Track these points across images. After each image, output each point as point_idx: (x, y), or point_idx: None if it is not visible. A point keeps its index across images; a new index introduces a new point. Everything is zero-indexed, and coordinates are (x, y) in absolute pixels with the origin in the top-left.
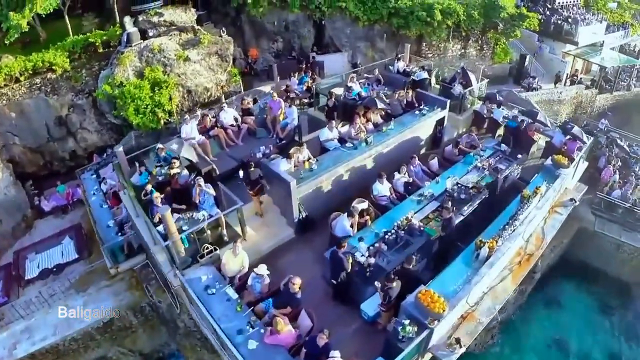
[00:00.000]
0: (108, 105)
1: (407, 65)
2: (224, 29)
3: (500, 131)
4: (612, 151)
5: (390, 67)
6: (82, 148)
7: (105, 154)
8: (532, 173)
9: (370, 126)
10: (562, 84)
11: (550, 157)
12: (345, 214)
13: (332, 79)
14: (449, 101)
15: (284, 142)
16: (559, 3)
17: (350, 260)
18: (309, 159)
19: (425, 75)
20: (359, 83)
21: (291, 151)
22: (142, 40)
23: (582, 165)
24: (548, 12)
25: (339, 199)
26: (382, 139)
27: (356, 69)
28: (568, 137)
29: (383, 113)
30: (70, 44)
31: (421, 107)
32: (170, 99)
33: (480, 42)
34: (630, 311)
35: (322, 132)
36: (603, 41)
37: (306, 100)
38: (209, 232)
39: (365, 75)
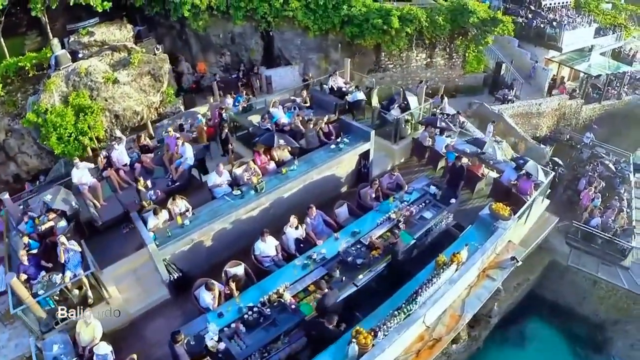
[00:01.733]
0: (36, 132)
1: (347, 83)
2: (157, 46)
3: (443, 163)
4: (595, 170)
5: (324, 85)
6: (25, 171)
7: (38, 182)
8: (474, 217)
9: (272, 166)
10: (544, 94)
11: (488, 205)
12: (204, 285)
13: (278, 95)
14: (372, 132)
15: (176, 184)
16: (545, 5)
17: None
18: (186, 210)
19: (360, 96)
20: (284, 107)
21: (169, 203)
22: (71, 63)
23: (541, 205)
24: (530, 15)
25: (224, 255)
26: (280, 183)
27: (307, 82)
28: (521, 173)
29: (290, 148)
30: (3, 68)
31: (339, 139)
32: (90, 127)
33: (448, 50)
34: (605, 356)
35: (209, 175)
36: (592, 46)
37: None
38: (76, 291)
39: (292, 96)
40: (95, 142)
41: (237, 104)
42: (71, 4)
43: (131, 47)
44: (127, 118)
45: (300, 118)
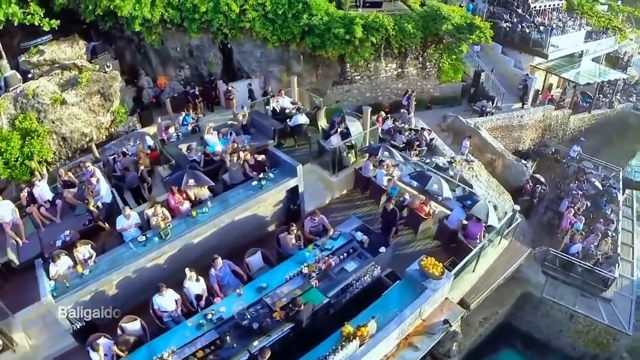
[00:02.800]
0: None
1: (295, 103)
2: (108, 63)
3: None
4: (581, 187)
5: (267, 106)
6: None
7: None
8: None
9: (186, 206)
10: (528, 103)
11: (418, 260)
12: (89, 347)
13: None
14: (299, 167)
15: (92, 224)
16: (534, 8)
17: None
18: (89, 257)
19: (302, 119)
20: (220, 133)
21: (74, 250)
22: (21, 84)
23: (497, 247)
24: (516, 19)
25: (129, 304)
26: (187, 229)
27: (266, 96)
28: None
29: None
30: None
31: (261, 175)
32: (32, 153)
33: (421, 59)
34: None
35: (119, 217)
36: (582, 51)
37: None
38: None
39: (230, 121)
40: (45, 164)
41: (185, 123)
42: (15, 24)
43: (82, 65)
44: (75, 140)
45: (235, 145)
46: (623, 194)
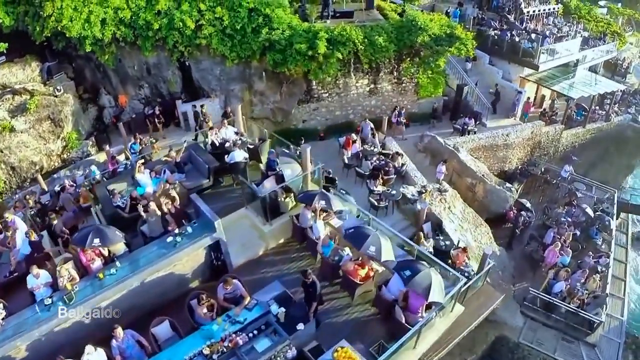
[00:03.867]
0: None
1: (239, 134)
2: (59, 87)
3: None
4: (570, 213)
5: (205, 139)
6: None
7: None
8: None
9: (97, 264)
10: (516, 118)
11: (331, 350)
12: None
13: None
14: (218, 222)
15: (15, 274)
16: (527, 13)
17: None
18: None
19: (239, 156)
20: (153, 171)
21: None
22: None
23: (450, 316)
24: (505, 26)
25: None
26: (93, 293)
27: (228, 118)
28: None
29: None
30: None
31: (177, 231)
32: None
33: (396, 73)
34: None
35: (29, 277)
36: (577, 60)
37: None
38: None
39: (165, 156)
40: None
41: (133, 152)
42: None
43: (33, 89)
44: (25, 169)
45: (167, 186)
46: (617, 218)
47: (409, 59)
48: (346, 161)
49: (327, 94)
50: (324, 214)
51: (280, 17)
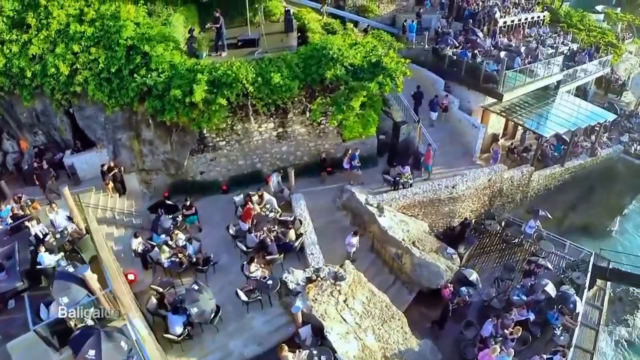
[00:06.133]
0: None
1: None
2: None
3: None
4: (526, 288)
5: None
6: None
7: None
8: None
9: None
10: (475, 159)
11: None
12: None
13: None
14: None
15: None
16: (504, 24)
17: None
18: None
19: (48, 259)
20: None
21: None
22: None
23: None
24: (469, 43)
25: None
26: None
27: (111, 172)
28: None
29: None
30: None
31: None
32: None
33: (310, 113)
34: None
35: None
36: (559, 82)
37: None
38: None
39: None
40: None
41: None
42: None
43: None
44: None
45: None
46: (592, 288)
47: (319, 97)
48: (232, 232)
49: (224, 142)
50: None
51: (160, 55)
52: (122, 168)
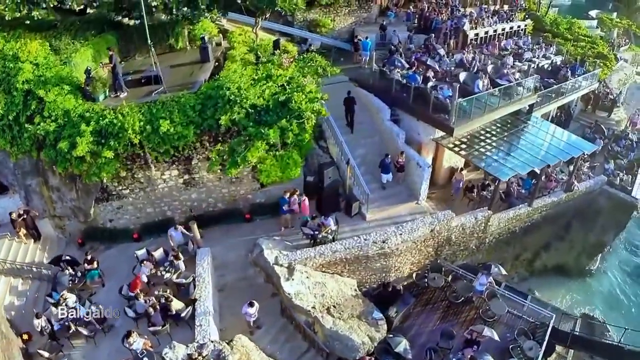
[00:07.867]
0: None
1: None
2: None
3: None
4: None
5: None
6: None
7: None
8: None
9: None
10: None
11: None
12: None
13: None
14: None
15: None
16: (475, 36)
17: None
18: None
19: None
20: None
21: None
22: None
23: None
24: (432, 62)
25: None
26: None
27: (23, 216)
28: None
29: None
30: None
31: None
32: None
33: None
34: None
35: None
36: (530, 106)
37: None
38: None
39: None
40: None
41: None
42: None
43: None
44: None
45: None
46: (549, 356)
47: (219, 144)
48: (124, 294)
49: (128, 191)
50: None
51: (53, 100)
52: (34, 213)
